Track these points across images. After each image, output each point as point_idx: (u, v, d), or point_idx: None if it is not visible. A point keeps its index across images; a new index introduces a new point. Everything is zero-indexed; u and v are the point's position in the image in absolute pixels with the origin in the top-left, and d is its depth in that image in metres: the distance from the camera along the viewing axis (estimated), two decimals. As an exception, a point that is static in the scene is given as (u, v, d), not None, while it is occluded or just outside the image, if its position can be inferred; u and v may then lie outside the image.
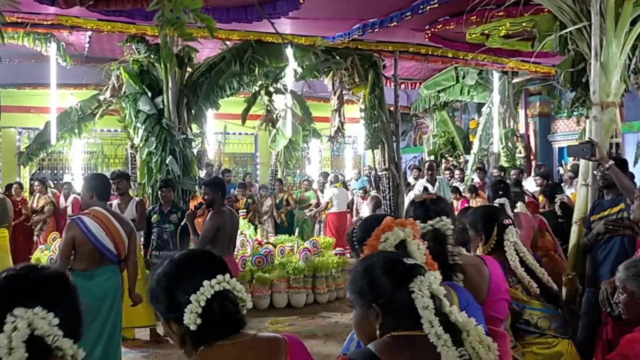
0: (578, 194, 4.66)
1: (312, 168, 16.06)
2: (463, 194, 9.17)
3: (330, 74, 9.51)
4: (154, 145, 7.99)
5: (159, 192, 6.57)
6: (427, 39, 8.33)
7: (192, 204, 7.44)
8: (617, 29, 4.25)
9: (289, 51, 8.75)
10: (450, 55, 9.53)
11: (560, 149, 12.25)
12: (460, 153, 13.93)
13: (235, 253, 6.33)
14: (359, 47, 9.02)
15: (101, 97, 10.60)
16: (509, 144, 12.13)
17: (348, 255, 10.00)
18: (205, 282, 1.53)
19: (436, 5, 6.51)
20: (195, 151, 8.65)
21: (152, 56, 8.15)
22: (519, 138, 12.40)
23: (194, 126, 8.67)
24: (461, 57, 9.58)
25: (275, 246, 8.09)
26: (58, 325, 1.39)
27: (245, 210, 9.95)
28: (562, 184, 8.37)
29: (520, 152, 12.32)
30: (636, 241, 3.71)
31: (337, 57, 9.06)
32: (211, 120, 11.42)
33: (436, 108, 13.82)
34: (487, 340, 1.53)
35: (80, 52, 10.30)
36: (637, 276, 2.35)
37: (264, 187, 11.64)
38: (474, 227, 3.00)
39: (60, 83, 10.39)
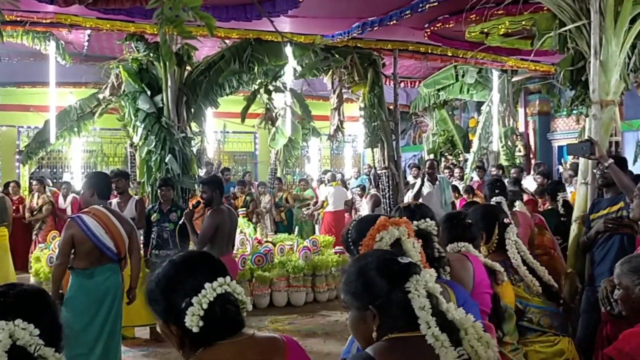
0: (577, 193, 4.67)
1: (311, 167, 16.06)
2: (462, 193, 9.19)
3: (330, 73, 9.50)
4: (154, 143, 7.98)
5: (159, 191, 6.56)
6: (426, 38, 8.33)
7: (190, 203, 7.44)
8: (616, 27, 4.25)
9: (289, 50, 8.74)
10: (450, 54, 9.52)
11: (560, 148, 12.26)
12: (459, 152, 13.93)
13: (234, 252, 6.34)
14: (359, 45, 9.01)
15: (100, 96, 10.58)
16: (509, 143, 12.13)
17: (347, 253, 9.98)
18: (207, 285, 1.53)
19: (435, 3, 6.51)
20: (194, 150, 8.64)
21: (151, 54, 8.14)
22: (519, 136, 12.40)
23: (193, 125, 8.66)
24: (461, 56, 9.57)
25: (274, 245, 8.09)
26: (39, 336, 1.46)
27: (245, 209, 9.94)
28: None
29: (520, 151, 12.32)
30: (635, 240, 3.71)
31: (337, 56, 9.06)
32: (210, 119, 11.42)
33: (436, 106, 13.82)
34: (485, 337, 1.51)
35: (79, 51, 10.29)
36: (631, 271, 2.37)
37: (263, 184, 11.63)
38: (475, 225, 3.01)
39: (59, 82, 10.38)
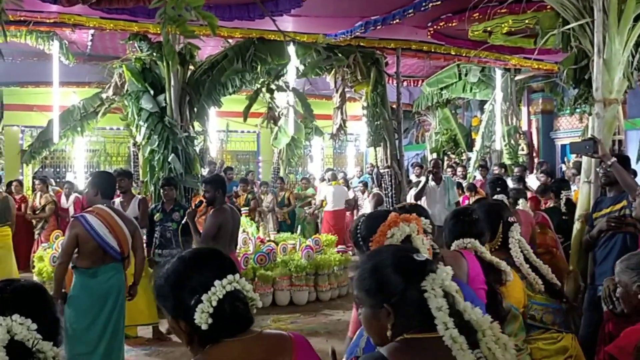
0: (580, 191, 4.66)
1: (314, 166, 16.06)
2: (464, 191, 9.20)
3: (333, 72, 9.50)
4: (157, 143, 7.99)
5: (162, 190, 6.57)
6: (429, 36, 8.32)
7: (193, 202, 7.45)
8: (620, 25, 4.24)
9: (291, 49, 8.75)
10: (453, 53, 9.51)
11: (563, 146, 12.23)
12: (462, 150, 13.91)
13: (237, 251, 6.34)
14: (361, 44, 9.01)
15: (104, 95, 10.62)
16: (512, 142, 12.10)
17: (350, 252, 10.00)
18: (217, 282, 1.53)
19: (438, 2, 6.50)
20: (197, 149, 8.65)
21: (154, 54, 8.15)
22: (522, 135, 12.37)
23: (196, 124, 8.67)
24: (464, 55, 9.56)
25: (277, 244, 8.10)
26: (37, 331, 1.49)
27: (247, 208, 9.96)
28: (565, 181, 8.37)
29: (523, 150, 12.29)
30: (638, 238, 3.71)
31: (339, 55, 9.05)
32: (213, 118, 11.44)
33: (438, 105, 13.80)
34: (503, 339, 1.48)
35: (82, 50, 10.32)
36: (629, 268, 2.38)
37: (265, 184, 11.64)
38: (482, 221, 3.00)
39: (62, 81, 10.42)
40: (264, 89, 10.60)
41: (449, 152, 13.99)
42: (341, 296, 7.92)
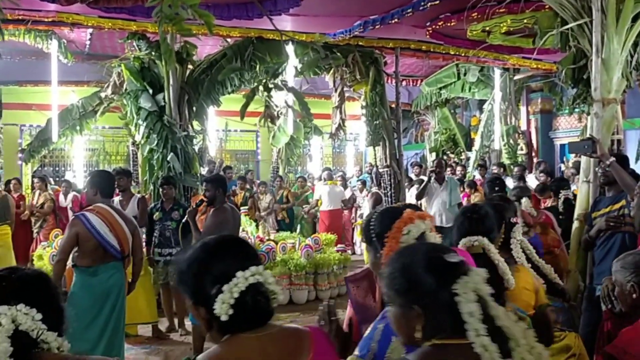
0: (579, 191, 4.67)
1: (313, 165, 16.07)
2: (464, 188, 9.23)
3: (331, 71, 9.49)
4: (156, 142, 7.99)
5: (161, 190, 6.57)
6: (428, 36, 8.32)
7: (194, 201, 7.44)
8: (618, 25, 4.25)
9: (290, 48, 8.74)
10: (452, 52, 9.50)
11: (562, 146, 12.24)
12: (461, 150, 13.92)
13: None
14: (360, 44, 9.00)
15: (102, 94, 10.61)
16: (511, 141, 12.12)
17: (349, 251, 10.00)
18: (240, 273, 1.50)
19: (437, 2, 6.49)
20: (196, 148, 8.65)
21: (153, 53, 8.15)
22: (521, 135, 12.39)
23: (195, 123, 8.66)
24: (462, 54, 9.55)
25: (276, 243, 8.10)
26: (41, 320, 1.48)
27: (247, 208, 9.96)
28: (564, 181, 8.37)
29: (522, 149, 12.30)
30: (637, 238, 3.71)
31: (338, 54, 9.04)
32: (212, 117, 11.43)
33: (437, 105, 13.81)
34: (538, 348, 1.42)
35: (81, 49, 10.30)
36: (623, 267, 2.39)
37: (263, 184, 11.65)
38: (491, 218, 2.98)
39: (61, 80, 10.41)
40: (261, 88, 10.59)
41: (448, 152, 14.00)
42: (340, 295, 7.92)
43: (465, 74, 11.91)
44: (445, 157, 13.68)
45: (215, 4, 6.65)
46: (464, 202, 8.34)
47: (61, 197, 10.26)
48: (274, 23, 7.18)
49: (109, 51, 10.41)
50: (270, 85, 10.48)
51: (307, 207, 11.53)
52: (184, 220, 5.62)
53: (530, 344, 1.42)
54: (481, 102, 13.23)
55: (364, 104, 9.63)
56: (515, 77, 12.07)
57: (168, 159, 7.90)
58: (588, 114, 4.65)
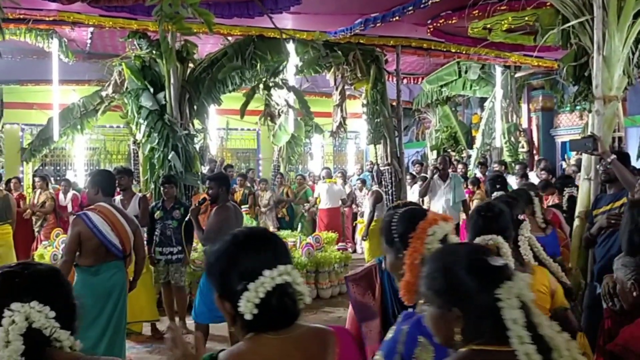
0: (580, 188, 4.66)
1: (314, 163, 16.07)
2: (467, 185, 9.24)
3: (332, 69, 9.48)
4: (157, 141, 7.99)
5: (162, 188, 6.57)
6: (429, 34, 8.31)
7: (194, 200, 7.44)
8: (619, 22, 4.24)
9: (291, 46, 8.74)
10: (453, 50, 9.50)
11: (563, 144, 12.23)
12: (462, 148, 13.91)
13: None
14: (361, 41, 9.00)
15: (103, 93, 10.62)
16: (512, 139, 12.11)
17: (350, 249, 9.99)
18: (267, 272, 1.45)
19: (438, -1, 6.49)
20: (197, 147, 8.65)
21: (154, 52, 8.15)
22: (522, 132, 12.38)
23: (196, 122, 8.67)
24: (463, 52, 9.55)
25: (277, 241, 8.09)
26: (54, 318, 1.45)
27: (246, 206, 9.95)
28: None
29: (523, 147, 12.29)
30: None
31: (339, 52, 9.03)
32: (213, 116, 11.42)
33: (439, 103, 13.79)
34: None
35: (82, 48, 10.31)
36: (624, 265, 2.39)
37: (264, 181, 11.65)
38: (505, 215, 2.96)
39: (62, 79, 10.41)
40: (261, 86, 10.58)
41: (449, 150, 13.99)
42: (341, 293, 7.93)
43: (466, 72, 11.89)
44: (447, 154, 13.69)
45: (215, 2, 6.65)
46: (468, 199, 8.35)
47: (61, 195, 10.27)
48: (274, 22, 7.17)
49: (110, 50, 10.41)
50: (271, 84, 10.48)
51: (308, 205, 11.53)
52: (186, 219, 5.63)
53: (574, 356, 1.37)
54: (482, 100, 13.21)
55: (364, 102, 9.63)
56: (517, 75, 12.05)
57: (169, 157, 7.91)
58: (589, 111, 4.64)
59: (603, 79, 4.30)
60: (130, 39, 8.40)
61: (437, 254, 1.58)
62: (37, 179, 10.23)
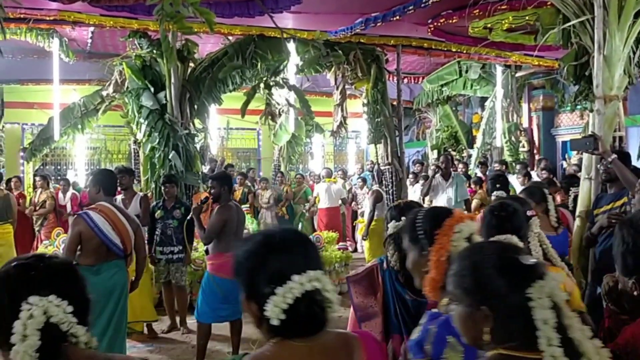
0: (581, 188, 4.66)
1: (315, 163, 16.07)
2: (470, 185, 9.24)
3: (333, 69, 9.48)
4: (157, 140, 8.00)
5: (162, 188, 6.57)
6: (429, 33, 8.31)
7: (195, 199, 7.45)
8: (620, 22, 4.24)
9: (291, 46, 8.74)
10: (453, 50, 9.49)
11: (564, 143, 12.22)
12: (463, 147, 13.91)
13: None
14: (362, 41, 9.00)
15: (104, 93, 10.62)
16: (512, 138, 12.10)
17: (350, 249, 9.99)
18: (296, 278, 1.38)
19: (439, -1, 6.49)
20: (198, 146, 8.65)
21: (154, 51, 8.15)
22: (522, 132, 12.37)
23: (196, 121, 8.68)
24: (464, 51, 9.54)
25: (278, 241, 8.09)
26: (71, 313, 1.42)
27: (246, 205, 9.96)
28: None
29: (524, 146, 12.29)
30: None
31: (339, 52, 9.03)
32: (214, 116, 11.43)
33: (439, 102, 13.79)
34: None
35: (82, 48, 10.32)
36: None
37: (265, 180, 11.65)
38: (519, 215, 2.95)
39: (63, 79, 10.42)
40: (261, 86, 10.58)
41: (450, 149, 13.98)
42: (342, 293, 7.91)
43: (466, 71, 11.89)
44: (449, 154, 13.68)
45: (216, 2, 6.65)
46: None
47: (60, 195, 10.28)
48: (274, 21, 7.18)
49: (111, 49, 10.42)
50: (272, 83, 10.48)
51: (308, 205, 11.53)
52: (188, 218, 5.63)
53: None
54: (483, 100, 13.21)
55: (365, 101, 9.63)
56: (517, 74, 12.05)
57: (169, 157, 7.91)
58: (590, 111, 4.63)
59: (604, 78, 4.30)
60: (131, 39, 8.40)
61: (466, 251, 1.55)
62: (37, 179, 10.24)
